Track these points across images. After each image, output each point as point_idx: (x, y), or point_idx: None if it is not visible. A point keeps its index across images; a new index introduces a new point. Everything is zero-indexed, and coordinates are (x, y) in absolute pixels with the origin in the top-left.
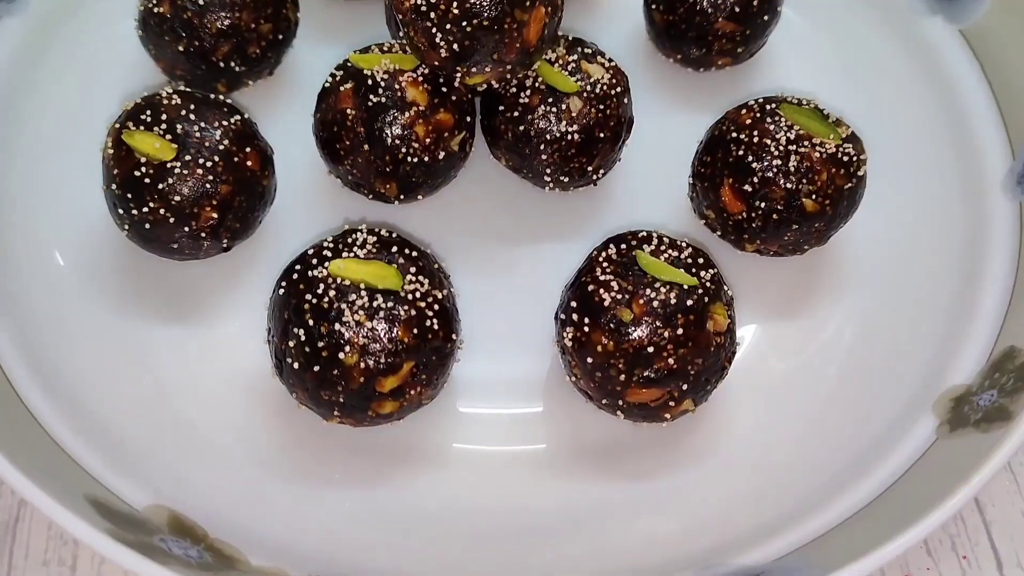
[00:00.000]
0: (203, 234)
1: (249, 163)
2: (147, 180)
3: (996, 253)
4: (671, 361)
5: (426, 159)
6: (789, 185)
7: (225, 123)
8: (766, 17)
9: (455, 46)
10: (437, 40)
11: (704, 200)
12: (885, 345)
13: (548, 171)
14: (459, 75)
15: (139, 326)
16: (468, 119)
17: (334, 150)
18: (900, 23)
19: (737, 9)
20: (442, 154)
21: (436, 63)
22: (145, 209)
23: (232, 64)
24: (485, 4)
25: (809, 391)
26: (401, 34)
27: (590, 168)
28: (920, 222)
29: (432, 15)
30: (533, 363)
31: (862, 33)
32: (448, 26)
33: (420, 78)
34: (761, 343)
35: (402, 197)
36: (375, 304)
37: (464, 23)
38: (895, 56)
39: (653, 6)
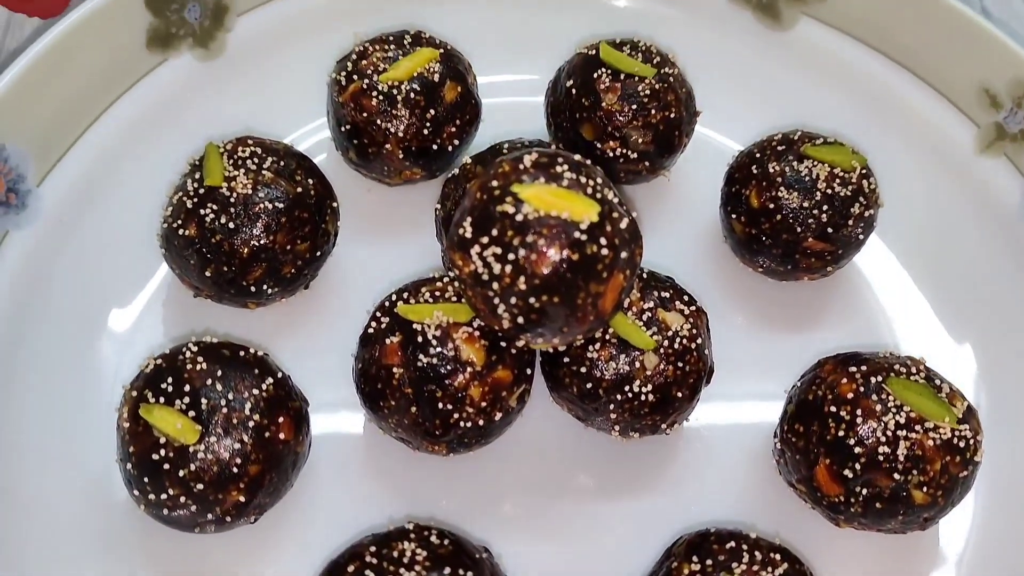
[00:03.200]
0: (228, 517)
1: (282, 435)
2: (167, 465)
3: None
4: None
5: (480, 423)
6: (897, 476)
7: (256, 391)
8: (861, 236)
9: (520, 319)
10: (499, 311)
11: (794, 472)
12: None
13: (616, 428)
14: (522, 342)
15: None
16: (528, 371)
17: (377, 406)
18: (1010, 235)
19: (830, 229)
20: (499, 415)
21: (496, 328)
22: (164, 496)
23: (264, 287)
24: (556, 279)
25: None
26: (456, 283)
27: (664, 425)
28: None
29: (495, 285)
30: None
31: (967, 245)
32: (513, 299)
33: (477, 332)
34: None
35: (451, 455)
36: None
37: (531, 298)
38: (1004, 272)
39: (733, 215)
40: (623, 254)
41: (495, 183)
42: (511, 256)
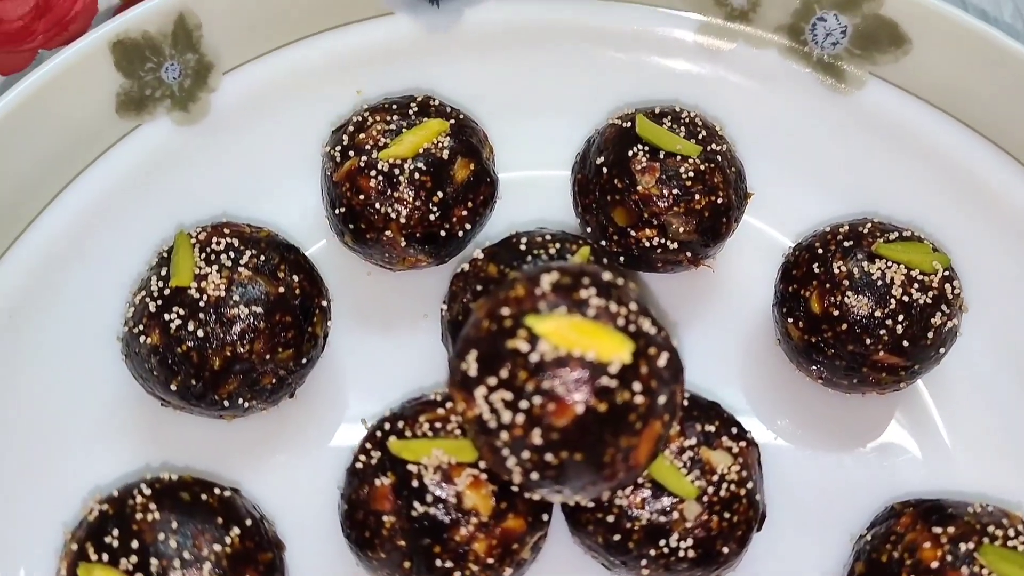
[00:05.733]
0: None
1: None
2: None
3: None
4: None
5: None
6: None
7: (218, 547)
8: (942, 350)
9: (533, 475)
10: (509, 464)
11: None
12: None
13: None
14: (537, 497)
15: None
16: (545, 516)
17: (365, 555)
18: None
19: (906, 343)
20: (509, 571)
21: (506, 479)
22: None
23: (240, 401)
24: (578, 433)
25: None
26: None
27: None
28: None
29: (503, 435)
30: None
31: None
32: (525, 453)
33: (484, 476)
34: None
35: None
36: None
37: (547, 454)
38: None
39: (790, 319)
40: (661, 398)
41: (505, 311)
42: (523, 404)
